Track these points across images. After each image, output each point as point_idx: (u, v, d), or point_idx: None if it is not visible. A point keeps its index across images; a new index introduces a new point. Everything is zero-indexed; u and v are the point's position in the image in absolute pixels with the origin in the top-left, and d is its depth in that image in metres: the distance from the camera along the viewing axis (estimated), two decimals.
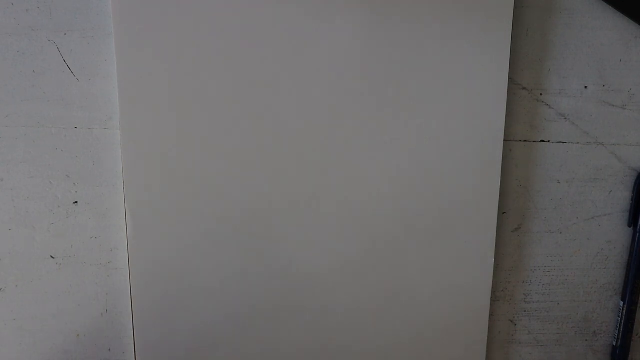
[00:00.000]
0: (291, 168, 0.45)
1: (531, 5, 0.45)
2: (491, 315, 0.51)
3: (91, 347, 0.50)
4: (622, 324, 0.50)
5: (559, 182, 0.49)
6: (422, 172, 0.46)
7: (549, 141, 0.48)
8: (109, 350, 0.50)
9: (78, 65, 0.44)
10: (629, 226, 0.49)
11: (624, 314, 0.50)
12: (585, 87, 0.47)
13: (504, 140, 0.46)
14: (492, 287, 0.50)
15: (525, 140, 0.48)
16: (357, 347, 0.49)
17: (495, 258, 0.49)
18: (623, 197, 0.49)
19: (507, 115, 0.45)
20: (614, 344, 0.52)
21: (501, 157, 0.46)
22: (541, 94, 0.47)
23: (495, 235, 0.47)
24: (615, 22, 0.45)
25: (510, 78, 0.46)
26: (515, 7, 0.44)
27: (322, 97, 0.44)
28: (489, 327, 0.50)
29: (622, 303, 0.51)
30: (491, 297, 0.50)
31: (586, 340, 0.53)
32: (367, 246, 0.47)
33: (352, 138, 0.45)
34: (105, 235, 0.48)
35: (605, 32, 0.46)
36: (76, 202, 0.47)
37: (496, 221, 0.47)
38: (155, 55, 0.43)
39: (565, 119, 0.47)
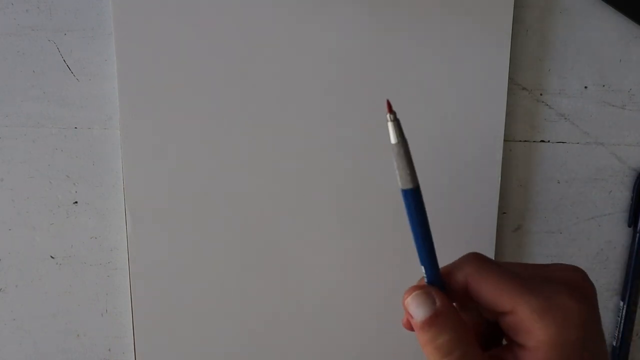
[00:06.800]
0: (291, 168, 0.45)
1: (531, 5, 0.45)
2: None
3: (91, 347, 0.50)
4: (622, 324, 0.50)
5: (559, 182, 0.48)
6: (422, 172, 0.46)
7: (549, 141, 0.48)
8: (109, 350, 0.50)
9: (78, 65, 0.44)
10: (629, 226, 0.49)
11: (624, 314, 0.50)
12: (585, 87, 0.47)
13: (504, 140, 0.46)
14: None
15: (525, 140, 0.48)
16: (357, 347, 0.49)
17: (495, 258, 0.49)
18: (623, 197, 0.49)
19: (507, 115, 0.45)
20: (614, 344, 0.52)
21: (501, 157, 0.46)
22: (541, 94, 0.47)
23: (495, 235, 0.47)
24: (615, 22, 0.45)
25: (510, 78, 0.46)
26: (515, 7, 0.43)
27: (321, 97, 0.44)
28: None
29: (622, 303, 0.50)
30: None
31: None
32: (367, 246, 0.47)
33: (351, 138, 0.45)
34: (105, 235, 0.48)
35: (605, 32, 0.46)
36: (76, 202, 0.47)
37: (496, 221, 0.47)
38: (155, 55, 0.43)
39: (565, 119, 0.47)
